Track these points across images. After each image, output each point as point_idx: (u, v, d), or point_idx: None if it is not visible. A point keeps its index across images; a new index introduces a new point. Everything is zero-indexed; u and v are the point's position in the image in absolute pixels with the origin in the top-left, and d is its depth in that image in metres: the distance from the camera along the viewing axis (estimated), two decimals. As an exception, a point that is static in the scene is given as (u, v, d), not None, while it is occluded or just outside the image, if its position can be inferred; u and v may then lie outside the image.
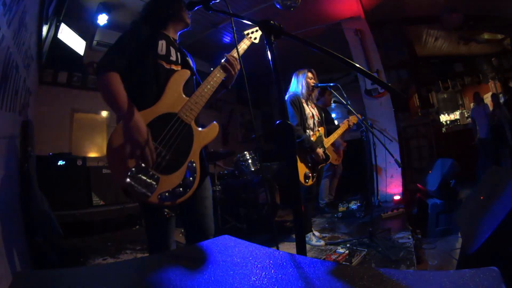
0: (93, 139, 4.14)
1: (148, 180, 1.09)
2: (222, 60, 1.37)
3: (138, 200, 1.15)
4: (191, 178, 1.18)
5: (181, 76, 1.27)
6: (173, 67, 1.29)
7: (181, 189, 1.15)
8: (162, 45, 1.26)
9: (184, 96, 1.25)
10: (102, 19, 3.80)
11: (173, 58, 1.30)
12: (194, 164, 1.20)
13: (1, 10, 1.50)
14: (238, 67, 1.39)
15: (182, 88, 1.25)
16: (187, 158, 1.19)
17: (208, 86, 1.29)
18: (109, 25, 3.95)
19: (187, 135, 1.21)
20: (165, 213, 1.19)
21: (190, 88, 1.31)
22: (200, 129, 1.26)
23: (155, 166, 1.12)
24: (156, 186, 1.11)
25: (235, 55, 1.38)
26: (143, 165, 1.09)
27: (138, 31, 1.26)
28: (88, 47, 4.10)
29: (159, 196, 1.11)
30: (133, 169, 1.08)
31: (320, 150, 2.53)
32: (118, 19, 3.92)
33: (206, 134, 1.27)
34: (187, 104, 1.23)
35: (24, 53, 2.16)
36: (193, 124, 1.24)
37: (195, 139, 1.23)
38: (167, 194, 1.12)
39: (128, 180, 1.06)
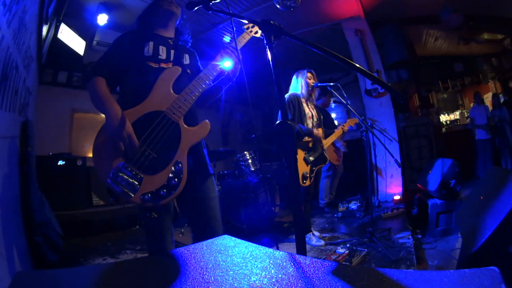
0: (93, 139, 4.12)
1: (131, 180, 1.07)
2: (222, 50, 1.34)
3: (124, 199, 1.13)
4: (176, 180, 1.13)
5: (171, 73, 1.24)
6: (163, 65, 1.28)
7: (165, 190, 1.11)
8: (149, 46, 1.28)
9: (173, 93, 1.21)
10: (102, 19, 3.80)
11: (163, 56, 1.29)
12: (180, 165, 1.15)
13: (1, 10, 1.50)
14: (239, 57, 1.35)
15: (171, 86, 1.22)
16: (173, 159, 1.15)
17: (200, 83, 1.24)
18: (109, 25, 3.95)
19: (173, 134, 1.17)
20: (148, 214, 1.15)
21: (182, 85, 1.26)
22: (188, 128, 1.21)
23: (139, 166, 1.10)
24: (138, 186, 1.08)
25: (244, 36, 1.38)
26: (126, 164, 1.08)
27: (122, 39, 1.29)
28: (88, 47, 4.09)
29: (141, 197, 1.08)
30: (116, 167, 1.07)
31: (316, 131, 2.55)
32: (118, 19, 3.92)
33: (196, 132, 1.21)
34: (175, 102, 1.19)
35: (24, 53, 2.15)
36: (181, 122, 1.19)
37: (183, 138, 1.18)
38: (149, 195, 1.09)
39: (110, 178, 1.05)
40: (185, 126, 1.20)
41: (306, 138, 2.53)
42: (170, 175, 1.13)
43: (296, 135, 2.43)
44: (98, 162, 1.09)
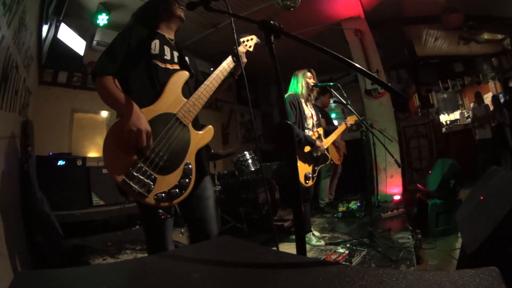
0: (93, 139, 4.14)
1: (146, 180, 1.08)
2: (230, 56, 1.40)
3: (135, 199, 1.14)
4: (187, 180, 1.18)
5: (181, 77, 1.27)
6: (168, 66, 1.29)
7: (177, 190, 1.15)
8: (155, 44, 1.27)
9: (182, 97, 1.24)
10: (102, 19, 3.80)
11: (168, 57, 1.30)
12: (190, 166, 1.20)
13: (1, 10, 1.50)
14: (244, 60, 1.43)
15: (181, 89, 1.25)
16: (183, 160, 1.19)
17: (207, 89, 1.29)
18: (109, 25, 3.95)
19: (184, 136, 1.21)
20: (160, 214, 1.17)
21: (187, 89, 1.31)
22: (196, 131, 1.26)
23: (153, 167, 1.11)
24: (153, 186, 1.10)
25: (240, 50, 1.43)
26: (140, 164, 1.08)
27: (128, 33, 1.27)
28: (88, 47, 4.10)
29: (155, 197, 1.10)
30: (131, 167, 1.06)
31: (320, 142, 2.53)
32: (118, 19, 3.92)
33: (202, 137, 1.28)
34: (185, 106, 1.23)
35: (24, 53, 2.16)
36: (190, 126, 1.24)
37: (192, 141, 1.23)
38: (163, 195, 1.11)
39: (125, 179, 1.05)
40: (193, 129, 1.25)
41: (307, 148, 2.52)
42: (182, 175, 1.17)
43: (298, 141, 2.43)
44: (110, 162, 1.08)
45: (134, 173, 1.07)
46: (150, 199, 1.09)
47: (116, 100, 1.13)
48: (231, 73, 1.44)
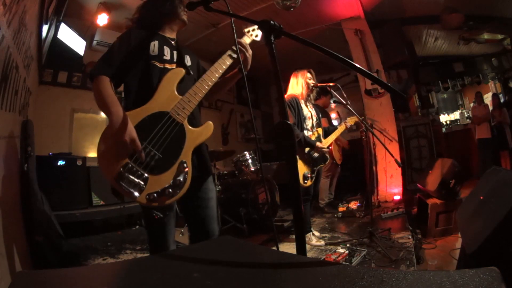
0: (93, 139, 4.13)
1: (137, 180, 1.08)
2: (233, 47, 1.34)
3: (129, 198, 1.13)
4: (181, 179, 1.15)
5: (175, 74, 1.25)
6: (167, 66, 1.28)
7: (170, 190, 1.13)
8: (154, 45, 1.27)
9: (177, 94, 1.22)
10: (102, 19, 3.80)
11: (167, 57, 1.30)
12: (185, 165, 1.17)
13: (1, 10, 1.50)
14: (250, 51, 1.38)
15: (175, 86, 1.23)
16: (178, 158, 1.16)
17: (204, 85, 1.26)
18: (109, 25, 3.95)
19: (178, 134, 1.19)
20: (153, 214, 1.16)
21: (185, 86, 1.28)
22: (193, 128, 1.23)
23: (144, 166, 1.11)
24: (144, 186, 1.09)
25: (242, 41, 1.38)
26: (132, 164, 1.08)
27: (128, 35, 1.27)
28: (88, 47, 4.10)
29: (147, 197, 1.09)
30: (122, 168, 1.07)
31: (320, 144, 2.53)
32: (118, 19, 3.91)
33: (200, 133, 1.24)
34: (179, 103, 1.20)
35: (24, 53, 2.16)
36: (185, 123, 1.21)
37: (187, 139, 1.20)
38: (155, 195, 1.10)
39: (116, 179, 1.05)
40: (189, 127, 1.22)
41: (307, 148, 2.52)
42: (176, 174, 1.15)
43: (298, 142, 2.43)
44: (103, 162, 1.08)
45: (126, 173, 1.07)
46: (142, 199, 1.08)
47: (104, 103, 1.13)
48: (240, 69, 1.38)
